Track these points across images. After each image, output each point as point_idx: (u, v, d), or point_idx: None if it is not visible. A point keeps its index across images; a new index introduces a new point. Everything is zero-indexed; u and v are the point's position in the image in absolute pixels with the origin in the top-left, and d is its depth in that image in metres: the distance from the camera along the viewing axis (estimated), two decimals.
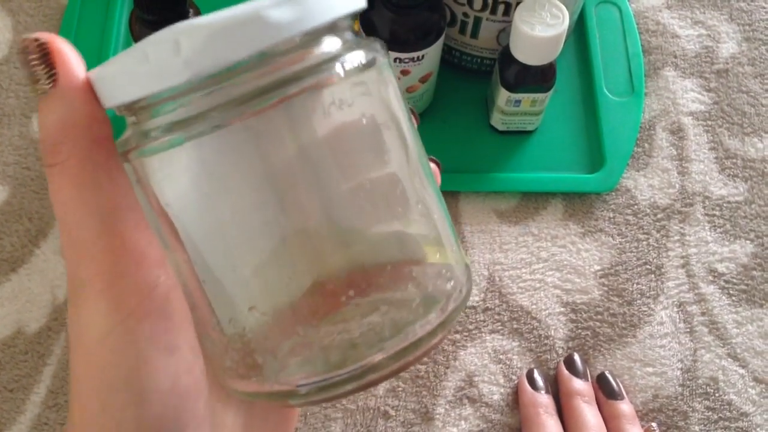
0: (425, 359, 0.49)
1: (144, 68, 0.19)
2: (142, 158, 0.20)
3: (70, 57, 0.20)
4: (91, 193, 0.20)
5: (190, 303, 0.22)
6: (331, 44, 0.20)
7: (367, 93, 0.21)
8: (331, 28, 0.20)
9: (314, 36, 0.20)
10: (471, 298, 0.50)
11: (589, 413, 0.45)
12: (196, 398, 0.22)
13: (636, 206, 0.54)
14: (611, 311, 0.50)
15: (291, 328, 0.20)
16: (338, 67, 0.20)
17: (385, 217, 0.21)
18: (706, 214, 0.54)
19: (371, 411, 0.47)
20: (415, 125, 0.24)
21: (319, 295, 0.20)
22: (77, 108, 0.20)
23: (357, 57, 0.20)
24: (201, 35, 0.18)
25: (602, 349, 0.49)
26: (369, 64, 0.21)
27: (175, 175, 0.20)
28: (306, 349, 0.20)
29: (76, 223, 0.20)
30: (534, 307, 0.50)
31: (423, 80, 0.51)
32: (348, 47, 0.21)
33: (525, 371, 0.48)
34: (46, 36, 0.20)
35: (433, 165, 0.25)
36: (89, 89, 0.20)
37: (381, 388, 0.48)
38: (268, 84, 0.19)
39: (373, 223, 0.21)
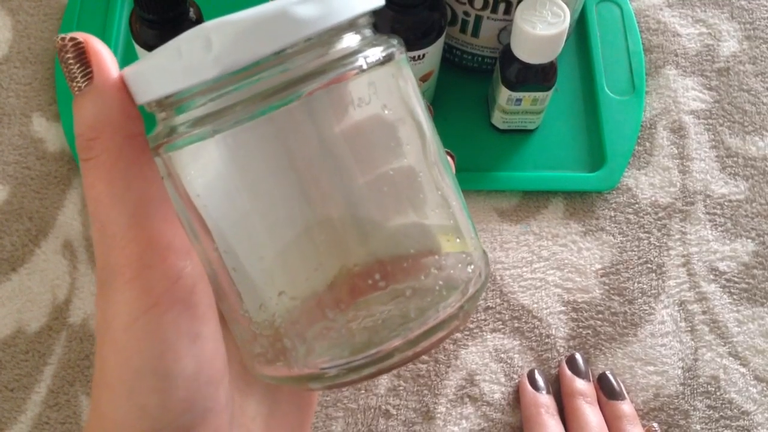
0: (426, 357, 0.49)
1: (176, 64, 0.19)
2: (171, 152, 0.21)
3: (104, 56, 0.21)
4: (122, 187, 0.21)
5: (219, 292, 0.23)
6: (351, 40, 0.21)
7: (387, 87, 0.22)
8: (352, 24, 0.21)
9: (336, 32, 0.21)
10: None
11: (591, 414, 0.45)
12: (217, 386, 0.22)
13: (637, 205, 0.54)
14: (612, 310, 0.50)
15: (319, 312, 0.21)
16: (359, 62, 0.21)
17: (407, 207, 0.22)
18: (707, 213, 0.54)
19: (372, 410, 0.47)
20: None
21: (347, 281, 0.21)
22: (110, 105, 0.20)
23: (376, 52, 0.21)
24: (231, 32, 0.19)
25: (603, 348, 0.49)
26: (387, 59, 0.21)
27: (203, 167, 0.21)
28: (333, 332, 0.21)
29: (107, 215, 0.21)
30: (535, 305, 0.50)
31: (424, 79, 0.51)
32: (367, 43, 0.21)
33: (526, 371, 0.48)
34: (81, 36, 0.21)
35: (447, 157, 0.26)
36: (122, 87, 0.21)
37: (382, 387, 0.48)
38: (292, 79, 0.20)
39: (395, 214, 0.22)
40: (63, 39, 0.21)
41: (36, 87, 0.56)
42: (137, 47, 0.48)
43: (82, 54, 0.20)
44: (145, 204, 0.21)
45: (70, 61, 0.20)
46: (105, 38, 0.57)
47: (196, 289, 0.21)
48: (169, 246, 0.21)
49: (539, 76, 0.50)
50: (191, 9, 0.46)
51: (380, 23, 0.47)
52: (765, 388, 0.49)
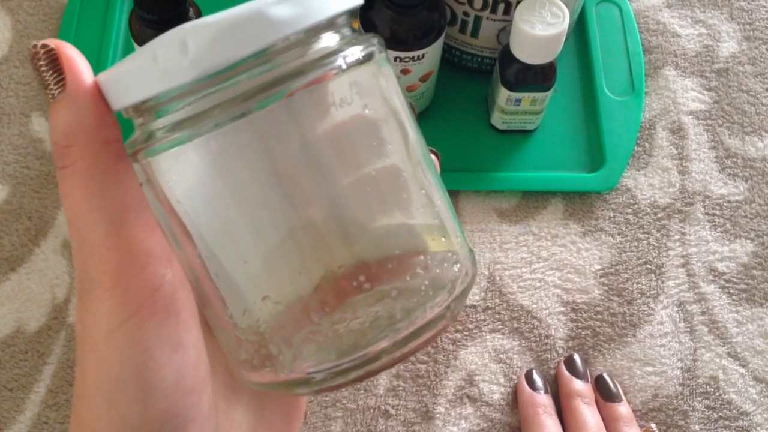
0: (425, 357, 0.49)
1: (152, 68, 0.19)
2: (150, 158, 0.21)
3: (77, 62, 0.20)
4: (100, 194, 0.20)
5: (203, 298, 0.22)
6: (330, 40, 0.21)
7: (367, 86, 0.22)
8: (330, 24, 0.21)
9: (314, 32, 0.20)
10: (471, 298, 0.50)
11: (588, 414, 0.45)
12: (200, 395, 0.22)
13: (636, 205, 0.54)
14: (611, 311, 0.50)
15: (305, 316, 0.21)
16: (338, 62, 0.20)
17: (390, 208, 0.22)
18: (707, 214, 0.54)
19: (372, 410, 0.47)
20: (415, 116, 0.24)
21: (332, 284, 0.21)
22: (85, 112, 0.20)
23: (356, 51, 0.21)
24: (207, 34, 0.19)
25: (602, 348, 0.49)
26: (367, 58, 0.21)
27: (184, 173, 0.21)
28: (319, 336, 0.21)
29: (84, 223, 0.20)
30: (534, 306, 0.50)
31: (423, 79, 0.51)
32: (346, 42, 0.21)
33: (524, 371, 0.48)
34: (53, 42, 0.20)
35: (432, 156, 0.26)
36: (97, 93, 0.20)
37: (381, 387, 0.48)
38: (271, 80, 0.19)
39: (379, 214, 0.22)
40: (35, 46, 0.20)
41: (35, 87, 0.56)
42: (137, 47, 0.48)
43: (54, 61, 0.20)
44: (122, 211, 0.20)
45: (43, 68, 0.20)
46: (105, 38, 0.57)
47: (177, 296, 0.21)
48: (149, 253, 0.21)
49: (538, 77, 0.50)
50: (191, 9, 0.46)
51: (380, 23, 0.47)
52: (764, 389, 0.49)
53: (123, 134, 0.21)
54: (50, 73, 0.20)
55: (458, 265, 0.23)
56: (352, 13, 0.22)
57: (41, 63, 0.20)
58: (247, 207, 0.21)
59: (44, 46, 0.20)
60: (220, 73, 0.19)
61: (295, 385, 0.22)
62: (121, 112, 0.21)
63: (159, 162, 0.21)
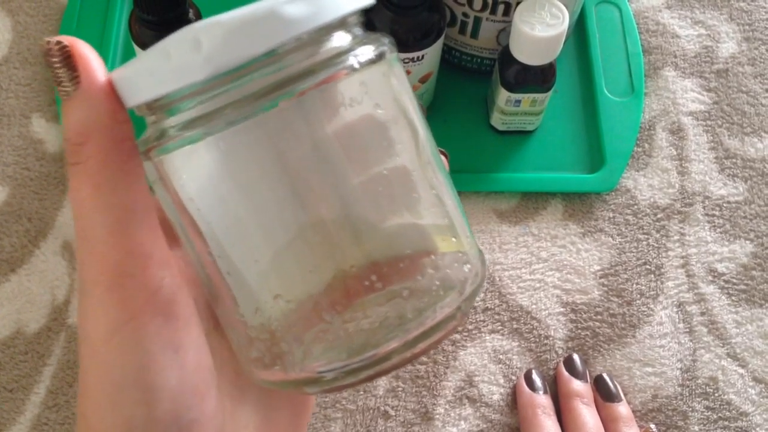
0: (425, 358, 0.49)
1: (165, 66, 0.19)
2: (162, 156, 0.21)
3: (91, 59, 0.20)
4: (108, 192, 0.20)
5: (214, 296, 0.22)
6: (342, 39, 0.21)
7: (378, 86, 0.22)
8: (342, 23, 0.21)
9: (326, 31, 0.20)
10: None
11: (587, 415, 0.45)
12: (203, 396, 0.22)
13: (636, 206, 0.54)
14: (611, 311, 0.50)
15: (316, 315, 0.21)
16: (350, 61, 0.20)
17: (401, 207, 0.22)
18: (706, 214, 0.54)
19: (371, 411, 0.47)
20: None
21: (343, 283, 0.21)
22: (99, 109, 0.20)
23: (367, 51, 0.21)
24: (220, 32, 0.19)
25: (602, 349, 0.49)
26: (379, 58, 0.21)
27: (196, 171, 0.21)
28: (330, 335, 0.21)
29: (90, 220, 0.20)
30: (534, 307, 0.50)
31: (423, 80, 0.51)
32: (358, 42, 0.21)
33: (524, 372, 0.48)
34: (67, 39, 0.20)
35: (441, 156, 0.26)
36: (111, 91, 0.20)
37: (381, 388, 0.48)
38: (283, 79, 0.20)
39: (390, 214, 0.22)
40: (49, 43, 0.20)
41: (35, 88, 0.56)
42: (137, 48, 0.48)
43: (68, 58, 0.20)
44: (128, 211, 0.20)
45: (57, 65, 0.20)
46: (104, 39, 0.57)
47: (176, 298, 0.21)
48: (149, 255, 0.21)
49: (538, 78, 0.50)
50: (191, 10, 0.46)
51: (379, 24, 0.47)
52: (763, 389, 0.49)
53: (135, 132, 0.21)
54: (64, 70, 0.20)
55: (468, 266, 0.23)
56: (362, 12, 0.22)
57: (55, 60, 0.20)
58: (258, 205, 0.21)
59: (58, 42, 0.20)
60: (234, 71, 0.19)
61: (306, 383, 0.22)
62: (134, 109, 0.21)
63: (171, 160, 0.21)
